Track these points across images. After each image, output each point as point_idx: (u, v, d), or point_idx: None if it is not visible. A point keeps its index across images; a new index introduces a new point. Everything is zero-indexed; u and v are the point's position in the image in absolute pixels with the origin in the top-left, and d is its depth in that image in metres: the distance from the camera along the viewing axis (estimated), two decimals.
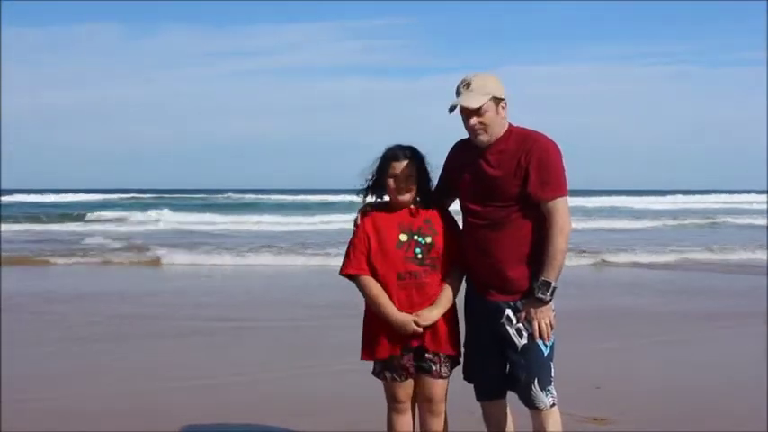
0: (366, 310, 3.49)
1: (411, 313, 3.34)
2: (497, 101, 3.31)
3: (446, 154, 3.58)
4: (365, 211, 3.50)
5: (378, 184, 3.47)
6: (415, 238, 3.40)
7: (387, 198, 3.49)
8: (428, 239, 3.40)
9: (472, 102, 3.27)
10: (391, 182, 3.41)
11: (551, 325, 3.34)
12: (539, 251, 3.29)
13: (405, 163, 3.40)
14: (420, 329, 3.34)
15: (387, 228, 3.42)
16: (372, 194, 3.50)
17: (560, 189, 3.29)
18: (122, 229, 24.93)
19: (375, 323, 3.42)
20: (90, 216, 32.13)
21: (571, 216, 3.35)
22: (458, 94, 3.34)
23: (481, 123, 3.30)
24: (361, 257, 3.41)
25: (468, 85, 3.30)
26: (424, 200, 3.47)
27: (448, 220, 3.48)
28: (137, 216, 30.95)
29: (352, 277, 3.44)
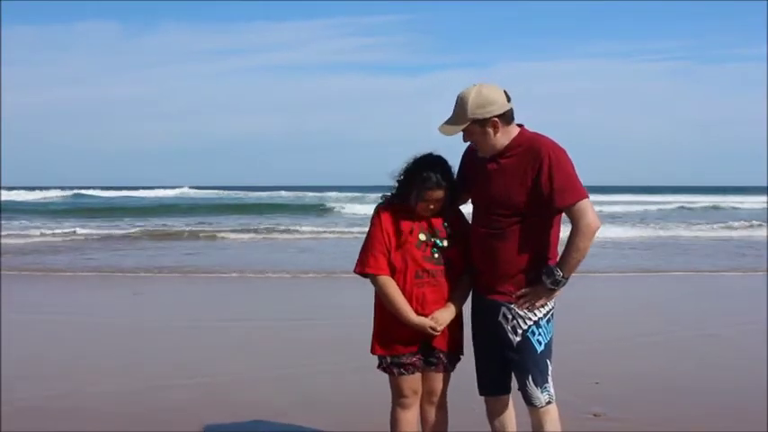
0: (379, 307, 3.52)
1: (423, 313, 3.39)
2: (483, 122, 3.28)
3: (455, 152, 3.59)
4: (384, 207, 3.51)
5: (404, 192, 3.46)
6: (433, 239, 3.46)
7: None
8: (445, 243, 3.46)
9: (448, 130, 3.33)
10: (422, 204, 3.43)
11: (536, 308, 3.33)
12: (542, 258, 3.35)
13: (440, 191, 3.40)
14: (437, 332, 3.41)
15: (407, 226, 3.45)
16: (398, 200, 3.50)
17: (580, 192, 3.30)
18: None
19: (390, 319, 3.45)
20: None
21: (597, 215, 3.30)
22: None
23: (473, 142, 3.37)
24: (380, 256, 3.43)
25: (457, 102, 3.33)
26: (450, 208, 3.51)
27: (464, 224, 3.53)
28: None
29: (368, 276, 3.46)
